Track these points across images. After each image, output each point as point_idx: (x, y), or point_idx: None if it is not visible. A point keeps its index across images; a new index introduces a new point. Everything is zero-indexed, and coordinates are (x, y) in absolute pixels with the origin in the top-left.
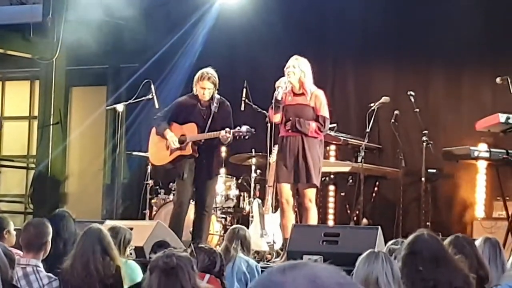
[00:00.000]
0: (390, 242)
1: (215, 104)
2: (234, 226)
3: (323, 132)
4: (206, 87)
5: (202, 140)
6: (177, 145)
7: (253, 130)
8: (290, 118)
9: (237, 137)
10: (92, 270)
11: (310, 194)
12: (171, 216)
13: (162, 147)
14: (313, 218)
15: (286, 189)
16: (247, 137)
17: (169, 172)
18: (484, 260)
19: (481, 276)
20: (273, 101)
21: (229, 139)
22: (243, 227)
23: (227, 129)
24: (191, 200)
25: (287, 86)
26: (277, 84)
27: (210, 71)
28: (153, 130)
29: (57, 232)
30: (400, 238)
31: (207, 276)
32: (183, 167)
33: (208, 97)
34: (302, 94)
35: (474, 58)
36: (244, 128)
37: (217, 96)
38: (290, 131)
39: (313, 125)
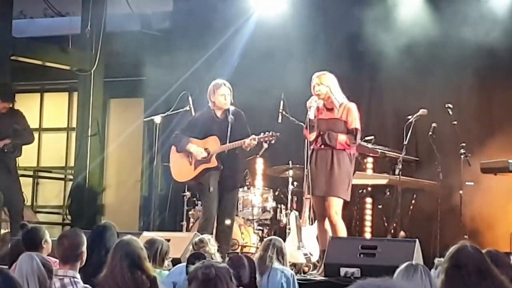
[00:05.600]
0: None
1: (231, 116)
2: (269, 237)
3: (354, 144)
4: (225, 93)
5: (226, 151)
6: (204, 155)
7: (278, 134)
8: (321, 133)
9: (263, 142)
10: (122, 286)
11: (336, 206)
12: (198, 230)
13: (185, 163)
14: (340, 232)
15: (319, 201)
16: (272, 141)
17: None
18: None
19: None
20: (307, 121)
21: (253, 145)
22: (279, 238)
23: (253, 136)
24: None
25: (319, 103)
26: (308, 104)
27: (222, 80)
28: (173, 148)
29: (98, 243)
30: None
31: None
32: (209, 180)
33: (229, 104)
34: (333, 108)
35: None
36: (269, 132)
37: (231, 107)
38: (322, 145)
39: (342, 137)
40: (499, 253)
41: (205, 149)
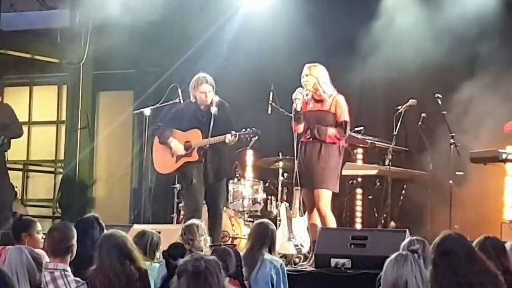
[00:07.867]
0: (405, 242)
1: (214, 107)
2: (259, 221)
3: (343, 137)
4: (206, 90)
5: (208, 145)
6: (183, 152)
7: (259, 131)
8: (310, 127)
9: (244, 139)
10: (112, 278)
11: (325, 199)
12: None
13: (167, 155)
14: (330, 224)
15: (309, 194)
16: (254, 138)
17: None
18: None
19: (509, 281)
20: (293, 113)
21: (234, 141)
22: (270, 221)
23: (233, 132)
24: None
25: (308, 94)
26: (293, 96)
27: (204, 74)
28: (156, 139)
29: (84, 236)
30: (414, 237)
31: (227, 279)
32: (191, 172)
33: (210, 100)
34: (322, 100)
35: (502, 60)
36: (250, 130)
37: (215, 98)
38: (311, 138)
39: (332, 130)
40: (497, 240)
41: (187, 142)
